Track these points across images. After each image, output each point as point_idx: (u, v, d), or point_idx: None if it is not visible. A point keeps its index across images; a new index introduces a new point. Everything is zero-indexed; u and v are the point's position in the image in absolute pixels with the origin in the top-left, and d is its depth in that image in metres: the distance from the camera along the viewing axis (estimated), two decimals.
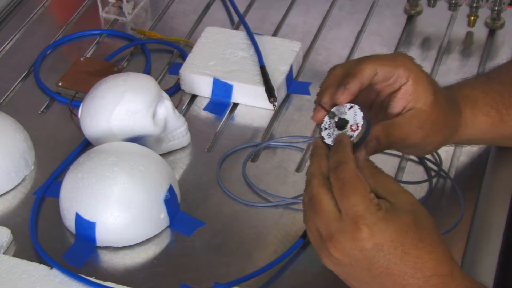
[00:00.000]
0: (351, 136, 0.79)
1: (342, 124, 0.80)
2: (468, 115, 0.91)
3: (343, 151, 0.77)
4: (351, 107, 0.81)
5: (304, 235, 0.93)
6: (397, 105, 0.86)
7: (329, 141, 0.80)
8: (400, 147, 0.87)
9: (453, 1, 1.26)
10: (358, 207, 0.73)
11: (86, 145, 1.07)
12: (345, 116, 0.80)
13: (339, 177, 0.75)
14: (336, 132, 0.80)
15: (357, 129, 0.79)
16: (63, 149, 1.08)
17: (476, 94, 0.92)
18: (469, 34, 1.27)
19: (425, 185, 1.02)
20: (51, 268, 0.92)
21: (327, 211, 0.75)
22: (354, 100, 0.82)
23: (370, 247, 0.73)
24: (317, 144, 0.81)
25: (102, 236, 0.94)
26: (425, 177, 1.03)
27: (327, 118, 0.82)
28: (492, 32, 1.27)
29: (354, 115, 0.80)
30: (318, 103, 0.83)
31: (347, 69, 0.83)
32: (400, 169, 1.04)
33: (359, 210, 0.73)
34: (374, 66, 0.83)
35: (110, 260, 0.94)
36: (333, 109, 0.82)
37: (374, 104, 0.89)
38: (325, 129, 0.81)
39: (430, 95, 0.85)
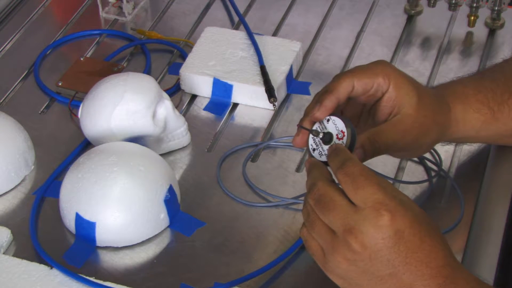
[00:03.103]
0: (341, 144, 0.80)
1: (328, 138, 0.81)
2: (458, 112, 0.91)
3: (343, 152, 0.78)
4: (328, 120, 0.82)
5: None
6: (382, 113, 0.86)
7: (323, 159, 0.81)
8: (390, 152, 0.87)
9: (453, 1, 1.26)
10: (377, 195, 0.73)
11: (86, 145, 1.07)
12: (328, 130, 0.81)
13: (349, 172, 0.75)
14: (325, 147, 0.81)
15: (343, 136, 0.80)
16: (63, 149, 1.08)
17: (467, 91, 0.93)
18: (469, 34, 1.27)
19: (425, 185, 1.02)
20: (51, 268, 0.92)
21: (342, 205, 0.74)
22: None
23: (392, 233, 0.72)
24: (312, 161, 0.82)
25: (102, 236, 0.94)
26: (425, 177, 1.03)
27: (311, 140, 0.83)
28: (492, 32, 1.27)
29: (335, 125, 0.81)
30: (299, 126, 0.85)
31: (325, 88, 0.85)
32: (400, 169, 1.04)
33: (379, 197, 0.73)
34: (351, 81, 0.84)
35: (110, 260, 0.94)
36: (314, 128, 0.83)
37: (362, 115, 0.90)
38: (314, 150, 0.82)
39: (413, 97, 0.86)
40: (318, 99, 0.84)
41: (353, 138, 0.80)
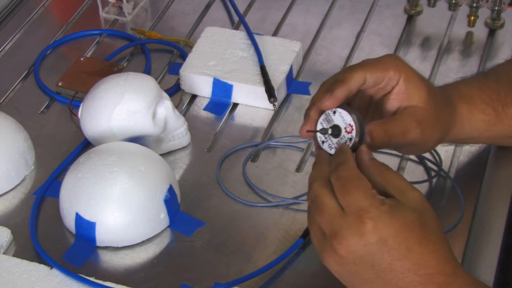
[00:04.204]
0: (351, 138, 0.80)
1: (336, 131, 0.81)
2: (464, 112, 0.91)
3: (342, 154, 0.78)
4: (334, 112, 0.81)
5: (304, 235, 0.93)
6: (391, 106, 0.86)
7: (333, 152, 0.81)
8: (400, 144, 0.87)
9: (453, 1, 1.26)
10: (361, 202, 0.73)
11: (86, 145, 1.07)
12: (335, 123, 0.81)
13: (340, 176, 0.75)
14: (334, 140, 0.81)
15: (352, 130, 0.80)
16: (63, 149, 1.08)
17: (471, 92, 0.93)
18: (469, 34, 1.27)
19: (425, 185, 1.02)
20: (51, 268, 0.92)
21: (330, 209, 0.75)
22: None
23: (374, 241, 0.73)
24: (320, 154, 0.82)
25: (102, 236, 0.94)
26: (425, 177, 1.03)
27: (319, 133, 0.82)
28: (492, 32, 1.27)
29: (342, 118, 0.81)
30: (306, 116, 0.84)
31: (336, 78, 0.84)
32: (400, 169, 1.04)
33: (363, 204, 0.73)
34: (363, 74, 0.84)
35: (110, 260, 0.94)
36: (320, 120, 0.82)
37: (370, 108, 0.89)
38: (323, 142, 0.82)
39: (423, 91, 0.85)
40: (329, 88, 0.83)
41: (362, 129, 0.80)
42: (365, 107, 0.89)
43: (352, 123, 0.80)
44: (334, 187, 0.76)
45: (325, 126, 0.82)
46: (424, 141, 0.87)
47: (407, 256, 0.73)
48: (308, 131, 0.83)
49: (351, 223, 0.73)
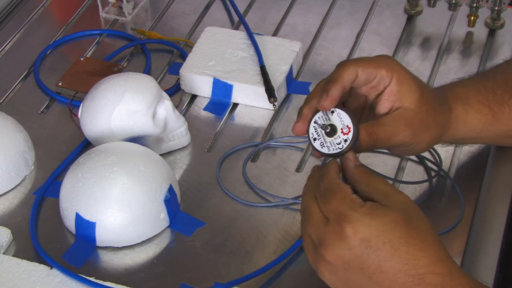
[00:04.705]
0: (346, 140, 0.80)
1: (332, 131, 0.81)
2: (459, 113, 0.91)
3: (325, 166, 0.80)
4: (332, 112, 0.82)
5: None
6: (383, 106, 0.86)
7: (325, 150, 0.81)
8: (388, 146, 0.87)
9: (453, 1, 1.26)
10: (339, 207, 0.74)
11: (86, 145, 1.07)
12: (331, 122, 0.81)
13: (320, 187, 0.78)
14: (328, 139, 0.81)
15: (349, 132, 0.80)
16: (63, 149, 1.08)
17: (468, 92, 0.93)
18: (469, 34, 1.27)
19: (425, 185, 1.02)
20: (51, 268, 0.92)
21: (316, 218, 0.76)
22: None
23: (357, 244, 0.73)
24: (314, 168, 0.83)
25: (102, 236, 0.94)
26: (425, 177, 1.03)
27: (312, 129, 0.83)
28: (492, 32, 1.27)
29: (340, 118, 0.81)
30: (300, 114, 0.84)
31: (329, 77, 0.84)
32: (400, 169, 1.04)
33: (341, 210, 0.74)
34: (355, 69, 0.84)
35: (110, 260, 0.94)
36: (316, 118, 0.82)
37: (364, 111, 0.89)
38: (315, 139, 0.82)
39: (416, 93, 0.85)
40: (324, 88, 0.83)
41: (356, 135, 0.80)
42: (360, 109, 0.89)
43: (351, 125, 0.80)
44: (317, 198, 0.78)
45: (324, 123, 0.82)
46: (416, 143, 0.87)
47: (395, 256, 0.73)
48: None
49: (333, 229, 0.74)
